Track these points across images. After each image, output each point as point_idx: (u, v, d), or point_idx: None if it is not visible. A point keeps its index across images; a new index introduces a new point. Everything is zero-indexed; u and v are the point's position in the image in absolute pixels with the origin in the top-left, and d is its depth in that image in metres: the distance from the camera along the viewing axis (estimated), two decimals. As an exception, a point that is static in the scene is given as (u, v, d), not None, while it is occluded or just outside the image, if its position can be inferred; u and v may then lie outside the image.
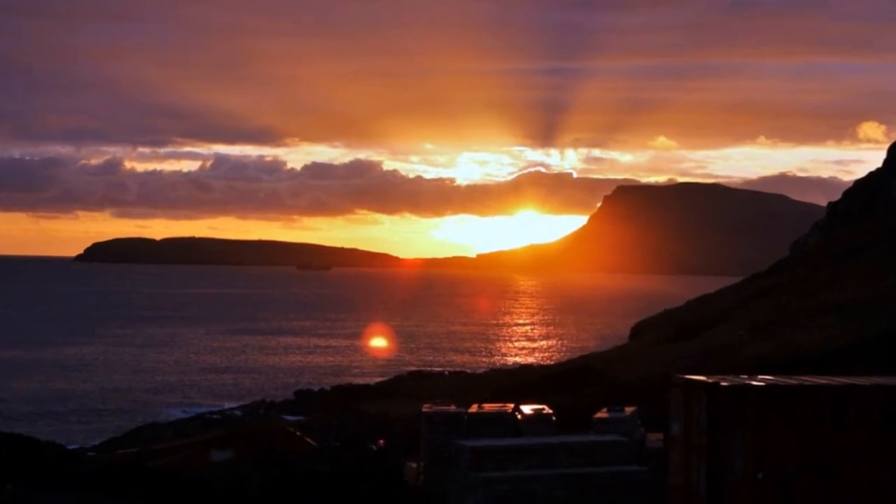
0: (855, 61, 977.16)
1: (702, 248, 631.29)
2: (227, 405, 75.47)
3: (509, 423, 22.30)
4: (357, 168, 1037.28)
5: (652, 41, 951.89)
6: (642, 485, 19.35)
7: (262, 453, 26.03)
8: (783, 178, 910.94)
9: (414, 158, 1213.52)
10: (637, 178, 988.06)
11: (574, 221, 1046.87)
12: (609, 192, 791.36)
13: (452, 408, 23.19)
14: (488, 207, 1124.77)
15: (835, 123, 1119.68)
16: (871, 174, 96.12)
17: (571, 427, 23.67)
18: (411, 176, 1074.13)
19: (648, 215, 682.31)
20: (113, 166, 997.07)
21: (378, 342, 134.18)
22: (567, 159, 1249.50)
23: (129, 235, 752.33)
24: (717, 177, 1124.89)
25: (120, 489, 20.36)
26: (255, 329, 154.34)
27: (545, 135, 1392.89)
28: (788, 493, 14.11)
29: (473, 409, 23.14)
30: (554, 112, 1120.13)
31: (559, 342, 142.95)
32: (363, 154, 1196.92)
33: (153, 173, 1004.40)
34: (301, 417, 58.03)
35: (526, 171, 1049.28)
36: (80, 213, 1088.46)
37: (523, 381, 56.25)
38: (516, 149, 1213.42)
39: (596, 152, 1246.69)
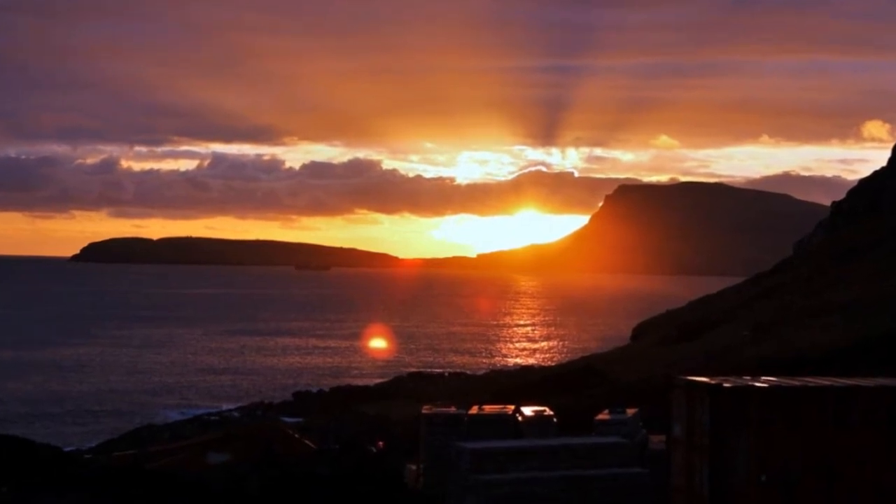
0: (857, 59, 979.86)
1: (704, 248, 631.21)
2: (224, 407, 75.25)
3: (510, 425, 22.22)
4: (356, 167, 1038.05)
5: (654, 39, 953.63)
6: (644, 487, 19.24)
7: (261, 455, 25.94)
8: (786, 178, 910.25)
9: (414, 157, 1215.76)
10: (639, 178, 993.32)
11: (575, 221, 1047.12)
12: (610, 192, 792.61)
13: (452, 409, 23.12)
14: (489, 207, 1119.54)
15: (838, 122, 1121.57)
16: (875, 173, 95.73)
17: (572, 429, 23.60)
18: (411, 175, 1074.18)
19: (650, 215, 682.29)
20: (109, 165, 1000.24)
21: (377, 343, 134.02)
22: (568, 158, 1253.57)
23: (125, 235, 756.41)
24: (719, 176, 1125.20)
25: (117, 491, 20.27)
26: (254, 330, 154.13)
27: (546, 133, 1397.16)
28: (792, 495, 14.00)
29: (474, 410, 23.07)
30: (555, 110, 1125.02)
31: (560, 343, 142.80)
32: (362, 153, 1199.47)
33: (150, 172, 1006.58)
34: (300, 419, 57.84)
35: (527, 171, 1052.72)
36: (77, 212, 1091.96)
37: (524, 383, 56.12)
38: (517, 148, 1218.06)
39: (597, 151, 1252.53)
